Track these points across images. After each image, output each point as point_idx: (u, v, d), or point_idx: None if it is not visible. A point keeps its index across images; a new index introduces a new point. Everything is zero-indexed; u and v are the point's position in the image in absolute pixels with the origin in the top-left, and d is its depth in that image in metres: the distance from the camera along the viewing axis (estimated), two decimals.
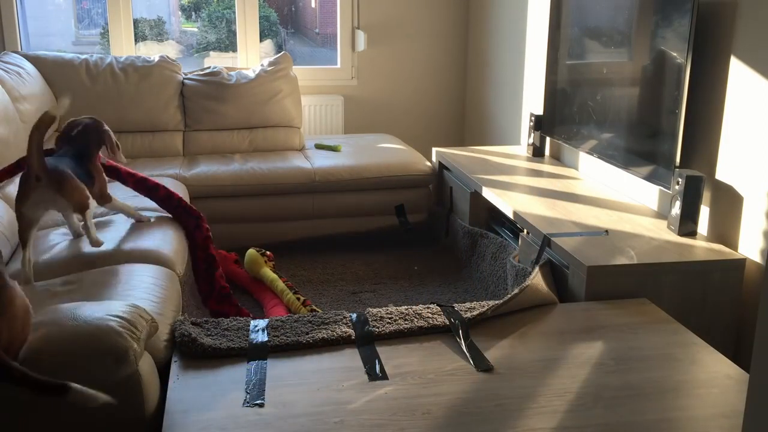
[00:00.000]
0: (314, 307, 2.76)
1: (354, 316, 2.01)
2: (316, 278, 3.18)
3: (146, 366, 1.64)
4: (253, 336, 1.89)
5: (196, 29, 4.95)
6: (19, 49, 4.10)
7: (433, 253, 3.49)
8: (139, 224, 2.61)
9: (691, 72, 2.34)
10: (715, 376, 1.75)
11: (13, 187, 2.78)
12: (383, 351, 1.85)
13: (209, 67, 3.99)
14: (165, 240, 2.50)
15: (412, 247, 3.55)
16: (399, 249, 3.52)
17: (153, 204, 2.74)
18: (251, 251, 3.04)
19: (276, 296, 2.86)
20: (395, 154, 3.81)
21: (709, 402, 1.64)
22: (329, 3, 4.78)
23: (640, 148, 2.65)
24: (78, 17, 5.02)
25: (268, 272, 2.96)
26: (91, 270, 2.22)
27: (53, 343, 1.53)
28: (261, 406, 1.60)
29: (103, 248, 2.34)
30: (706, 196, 2.42)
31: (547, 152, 3.60)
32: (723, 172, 2.36)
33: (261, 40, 4.39)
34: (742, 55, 2.26)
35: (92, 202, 2.36)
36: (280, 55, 4.05)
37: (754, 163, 2.22)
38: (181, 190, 3.19)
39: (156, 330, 1.75)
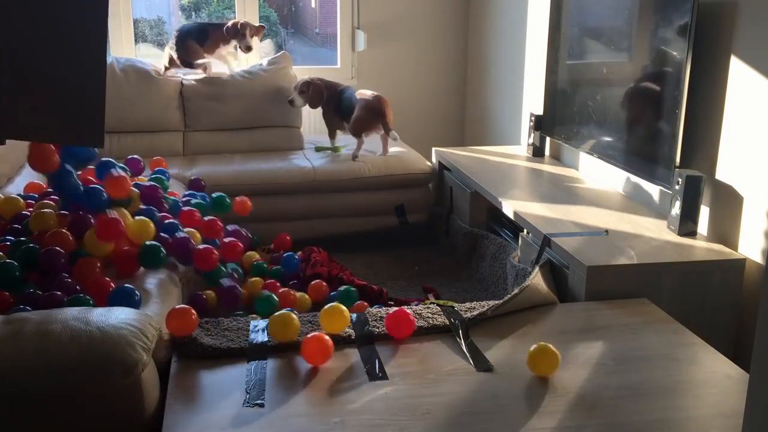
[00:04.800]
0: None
1: (354, 316, 2.01)
2: None
3: (148, 369, 1.64)
4: (253, 336, 1.89)
5: None
6: None
7: (433, 253, 3.49)
8: None
9: (691, 72, 2.33)
10: (715, 376, 1.75)
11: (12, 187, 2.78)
12: (383, 351, 1.85)
13: None
14: None
15: (412, 247, 3.55)
16: (399, 249, 3.52)
17: None
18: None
19: None
20: (395, 154, 3.81)
21: (709, 402, 1.64)
22: (329, 3, 4.78)
23: (640, 148, 2.65)
24: None
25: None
26: None
27: (64, 347, 1.52)
28: (261, 406, 1.60)
29: None
30: (706, 196, 2.42)
31: (547, 152, 3.60)
32: (723, 172, 2.36)
33: (261, 40, 4.38)
34: (742, 55, 2.26)
35: None
36: (279, 54, 4.05)
37: (754, 163, 2.22)
38: (181, 191, 3.19)
39: (160, 338, 1.74)
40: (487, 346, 1.88)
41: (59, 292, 1.93)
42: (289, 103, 3.82)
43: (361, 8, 4.40)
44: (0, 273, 2.01)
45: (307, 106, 3.89)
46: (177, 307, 1.88)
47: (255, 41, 3.98)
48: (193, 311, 1.86)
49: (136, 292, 1.96)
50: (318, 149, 3.89)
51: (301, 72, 4.31)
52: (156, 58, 4.07)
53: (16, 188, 2.77)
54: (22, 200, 2.44)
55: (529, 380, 1.72)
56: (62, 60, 1.79)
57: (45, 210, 2.27)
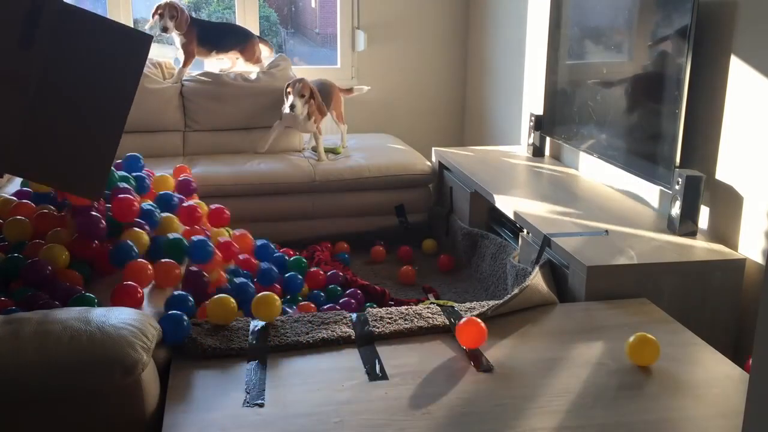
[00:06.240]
0: None
1: (354, 316, 2.01)
2: None
3: (148, 369, 1.63)
4: (253, 336, 1.89)
5: None
6: None
7: (433, 253, 3.49)
8: None
9: (691, 72, 2.33)
10: (715, 376, 1.75)
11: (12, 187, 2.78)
12: (383, 351, 1.85)
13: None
14: None
15: (412, 247, 3.55)
16: (399, 249, 3.52)
17: None
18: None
19: None
20: (395, 154, 3.81)
21: (709, 402, 1.64)
22: (329, 3, 4.78)
23: (640, 148, 2.65)
24: None
25: None
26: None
27: (64, 347, 1.52)
28: (261, 406, 1.60)
29: None
30: (706, 196, 2.42)
31: (547, 152, 3.60)
32: (723, 172, 2.36)
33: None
34: (742, 55, 2.26)
35: None
36: (277, 56, 4.06)
37: (754, 163, 2.22)
38: None
39: (161, 338, 1.74)
40: (487, 346, 1.88)
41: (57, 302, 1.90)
42: (290, 108, 3.59)
43: (361, 8, 4.40)
44: None
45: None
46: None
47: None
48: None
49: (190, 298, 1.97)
50: (315, 149, 3.88)
51: (301, 72, 4.32)
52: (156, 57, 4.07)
53: (16, 188, 2.76)
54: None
55: (529, 380, 1.72)
56: (85, 114, 1.82)
57: (19, 217, 2.19)
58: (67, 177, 1.90)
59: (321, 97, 3.74)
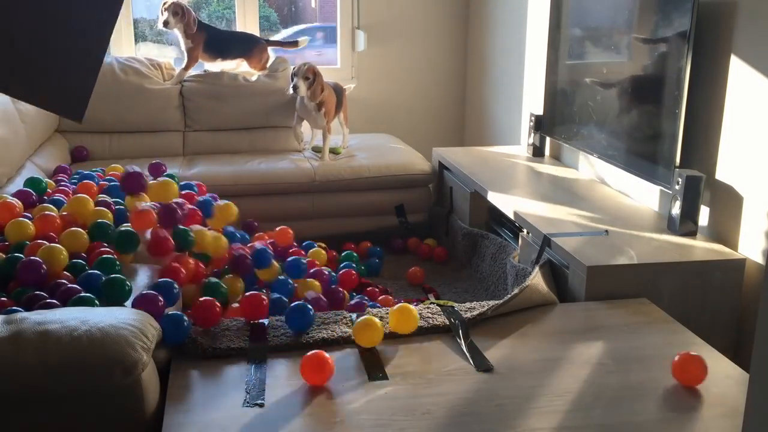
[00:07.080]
0: None
1: (354, 316, 2.01)
2: None
3: (148, 369, 1.63)
4: (252, 336, 1.89)
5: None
6: None
7: (433, 254, 3.49)
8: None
9: (691, 72, 2.33)
10: (715, 376, 1.75)
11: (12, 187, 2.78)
12: (383, 351, 1.85)
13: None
14: None
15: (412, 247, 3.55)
16: (399, 249, 3.52)
17: None
18: None
19: None
20: (395, 154, 3.81)
21: (709, 402, 1.64)
22: (329, 3, 4.78)
23: (640, 148, 2.65)
24: None
25: None
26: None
27: (64, 347, 1.51)
28: (261, 406, 1.60)
29: None
30: (706, 196, 2.42)
31: (547, 152, 3.60)
32: (723, 172, 2.36)
33: None
34: (742, 55, 2.26)
35: None
36: (277, 58, 4.06)
37: (754, 163, 2.22)
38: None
39: (161, 338, 1.74)
40: (487, 346, 1.88)
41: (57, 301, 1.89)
42: (293, 89, 3.61)
43: (361, 8, 4.40)
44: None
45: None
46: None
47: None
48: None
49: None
50: (315, 149, 3.88)
51: None
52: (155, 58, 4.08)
53: (16, 188, 2.76)
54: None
55: (529, 380, 1.72)
56: (67, 25, 1.73)
57: (21, 219, 2.18)
58: (47, 95, 1.80)
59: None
